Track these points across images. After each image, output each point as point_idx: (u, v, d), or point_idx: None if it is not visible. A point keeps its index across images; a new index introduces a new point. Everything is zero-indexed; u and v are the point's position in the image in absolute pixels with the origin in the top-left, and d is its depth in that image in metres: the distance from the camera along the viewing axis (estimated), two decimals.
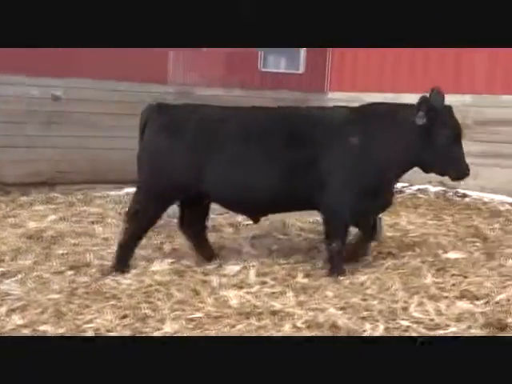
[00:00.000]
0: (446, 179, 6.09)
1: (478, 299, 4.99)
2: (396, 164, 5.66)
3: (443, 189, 9.87)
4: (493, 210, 8.71)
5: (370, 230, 5.93)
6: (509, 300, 4.91)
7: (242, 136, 5.70)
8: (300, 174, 5.58)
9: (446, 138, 5.56)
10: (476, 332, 4.37)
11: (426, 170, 5.84)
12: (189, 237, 6.01)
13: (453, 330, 4.40)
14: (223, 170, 5.60)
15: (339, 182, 5.57)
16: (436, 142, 5.55)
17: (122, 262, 5.63)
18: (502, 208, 8.86)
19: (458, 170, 5.68)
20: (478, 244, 6.77)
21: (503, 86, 9.64)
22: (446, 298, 5.02)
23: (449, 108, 5.60)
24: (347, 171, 5.58)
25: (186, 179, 5.62)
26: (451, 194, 9.74)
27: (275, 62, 11.56)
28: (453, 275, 5.58)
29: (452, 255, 6.21)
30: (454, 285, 5.30)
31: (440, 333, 4.36)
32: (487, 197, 9.45)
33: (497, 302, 4.90)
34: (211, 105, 6.08)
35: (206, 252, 5.96)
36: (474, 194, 9.61)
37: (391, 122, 5.69)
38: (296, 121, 5.82)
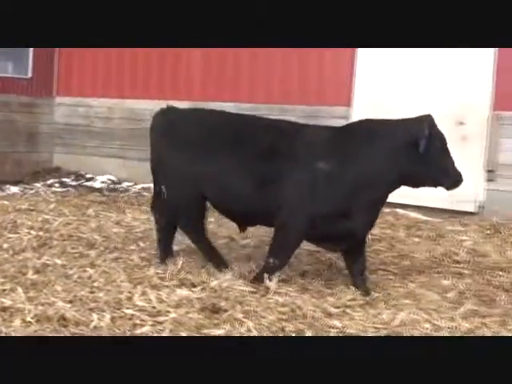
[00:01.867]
0: None
1: (195, 286, 5.12)
2: (383, 184, 5.15)
3: None
4: None
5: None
6: (221, 286, 5.11)
7: (228, 143, 5.43)
8: (267, 188, 5.23)
9: (437, 150, 5.10)
10: (194, 316, 4.49)
11: (417, 185, 5.34)
12: None
13: (173, 316, 4.46)
14: (211, 177, 5.42)
15: (298, 205, 5.17)
16: (428, 156, 5.05)
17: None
18: None
19: (451, 179, 5.19)
20: None
21: (214, 95, 9.99)
22: (167, 286, 5.09)
23: (431, 118, 5.15)
24: (308, 197, 5.14)
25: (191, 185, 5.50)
26: None
27: (3, 66, 10.97)
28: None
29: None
30: (173, 274, 5.39)
31: (161, 319, 4.42)
32: None
33: (211, 288, 5.07)
34: (211, 109, 6.06)
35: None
36: None
37: (372, 142, 5.18)
38: (277, 134, 5.41)
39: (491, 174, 7.80)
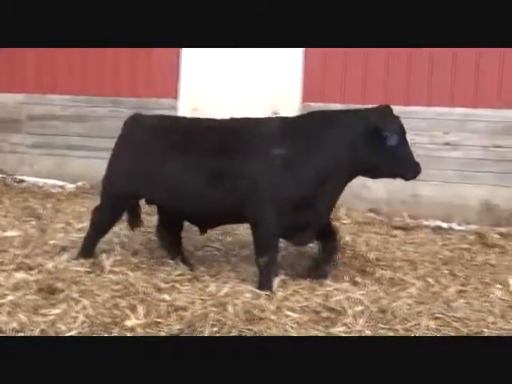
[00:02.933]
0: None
1: (32, 269, 5.12)
2: (339, 172, 4.89)
3: (2, 176, 9.75)
4: (46, 193, 8.88)
5: (328, 241, 5.25)
6: (57, 268, 5.14)
7: (179, 146, 5.15)
8: (225, 186, 4.95)
9: (395, 140, 4.84)
10: (31, 298, 4.51)
11: (376, 176, 5.14)
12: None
13: (10, 298, 4.45)
14: (162, 180, 5.14)
15: (263, 195, 4.84)
16: (386, 146, 4.83)
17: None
18: (53, 190, 9.08)
19: (412, 169, 4.97)
20: (32, 222, 6.89)
21: (50, 87, 9.82)
22: (5, 271, 5.05)
23: (390, 109, 4.99)
24: (271, 184, 4.83)
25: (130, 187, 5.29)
26: (10, 179, 9.65)
27: None
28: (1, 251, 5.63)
29: (10, 233, 6.24)
30: (12, 259, 5.36)
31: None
32: (42, 181, 9.56)
33: (47, 270, 5.08)
34: (172, 115, 5.93)
35: None
36: (31, 180, 9.64)
37: (331, 131, 4.91)
38: (228, 132, 5.15)
39: None
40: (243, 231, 6.72)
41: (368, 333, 4.20)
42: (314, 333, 4.16)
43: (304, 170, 4.84)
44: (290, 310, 4.55)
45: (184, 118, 5.68)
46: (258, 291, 4.83)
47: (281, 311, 4.52)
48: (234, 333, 4.08)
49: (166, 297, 4.68)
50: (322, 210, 4.99)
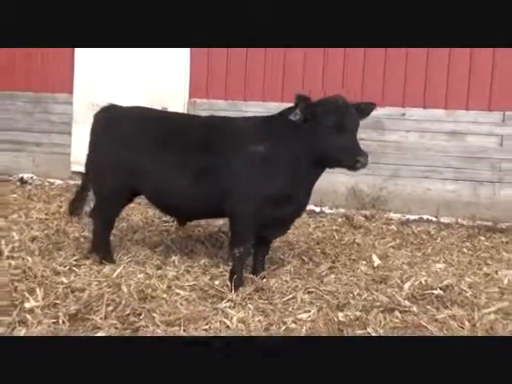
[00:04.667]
0: None
1: None
2: (301, 164, 4.58)
3: None
4: None
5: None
6: None
7: (162, 140, 4.82)
8: (206, 181, 4.67)
9: (328, 127, 4.44)
10: None
11: (328, 165, 4.66)
12: None
13: None
14: (147, 173, 4.82)
15: (240, 189, 4.57)
16: (318, 134, 4.47)
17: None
18: None
19: (350, 158, 4.46)
20: None
21: None
22: None
23: (329, 100, 4.55)
24: (248, 178, 4.57)
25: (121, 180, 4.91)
26: None
27: None
28: None
29: None
30: None
31: None
32: None
33: None
34: (149, 108, 5.33)
35: None
36: None
37: (281, 126, 4.61)
38: (208, 129, 4.84)
39: None
40: (135, 217, 6.68)
41: (250, 307, 4.30)
42: (201, 309, 4.20)
43: (275, 164, 4.58)
44: (180, 289, 4.57)
45: (167, 112, 5.44)
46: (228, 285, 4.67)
47: (171, 290, 4.55)
48: (128, 311, 4.06)
49: (64, 279, 4.60)
50: (297, 203, 4.73)
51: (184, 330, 3.89)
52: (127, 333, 3.82)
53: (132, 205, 6.27)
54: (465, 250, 6.23)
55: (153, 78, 8.68)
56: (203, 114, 7.61)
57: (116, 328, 3.85)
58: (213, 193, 4.67)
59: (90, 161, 5.18)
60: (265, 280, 4.81)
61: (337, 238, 6.41)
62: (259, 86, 8.26)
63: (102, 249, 5.16)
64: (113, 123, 5.07)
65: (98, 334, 3.76)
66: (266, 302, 4.45)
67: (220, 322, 4.01)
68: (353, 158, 4.44)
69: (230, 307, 4.28)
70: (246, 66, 8.32)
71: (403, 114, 7.93)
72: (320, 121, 4.45)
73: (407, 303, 4.40)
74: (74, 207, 5.41)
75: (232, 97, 8.30)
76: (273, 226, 4.79)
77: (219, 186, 4.64)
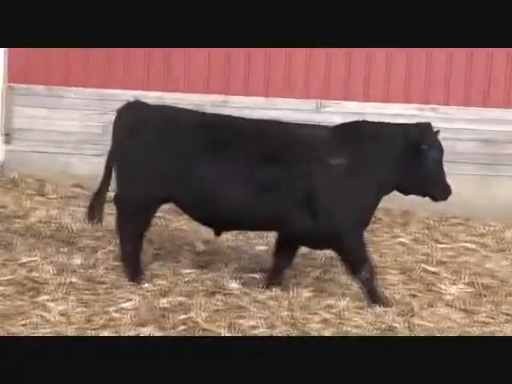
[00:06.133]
0: None
1: None
2: (383, 186, 4.40)
3: None
4: None
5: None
6: None
7: (212, 146, 4.29)
8: (273, 194, 4.24)
9: (434, 160, 4.42)
10: None
11: (409, 192, 4.58)
12: None
13: None
14: (191, 182, 4.28)
15: (335, 206, 4.27)
16: (427, 165, 4.40)
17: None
18: None
19: (444, 191, 4.51)
20: None
21: None
22: None
23: (431, 126, 4.50)
24: (341, 193, 4.28)
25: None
26: None
27: None
28: None
29: None
30: None
31: None
32: None
33: None
34: (185, 108, 4.73)
35: None
36: None
37: (378, 143, 4.39)
38: (271, 137, 4.37)
39: (8, 137, 7.85)
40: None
41: (73, 298, 4.20)
42: (19, 303, 4.06)
43: (365, 178, 4.35)
44: None
45: (205, 114, 4.75)
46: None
47: None
48: None
49: None
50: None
51: (1, 328, 3.73)
52: None
53: None
54: None
55: None
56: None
57: None
58: (279, 207, 4.31)
59: (114, 160, 4.57)
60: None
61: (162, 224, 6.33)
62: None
63: (130, 266, 4.59)
64: (142, 124, 4.46)
65: None
66: (90, 293, 4.37)
67: (39, 316, 3.90)
68: (447, 195, 4.55)
69: (49, 300, 4.16)
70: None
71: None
72: (427, 152, 4.42)
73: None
74: (93, 213, 4.76)
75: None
76: None
77: (293, 200, 4.29)
